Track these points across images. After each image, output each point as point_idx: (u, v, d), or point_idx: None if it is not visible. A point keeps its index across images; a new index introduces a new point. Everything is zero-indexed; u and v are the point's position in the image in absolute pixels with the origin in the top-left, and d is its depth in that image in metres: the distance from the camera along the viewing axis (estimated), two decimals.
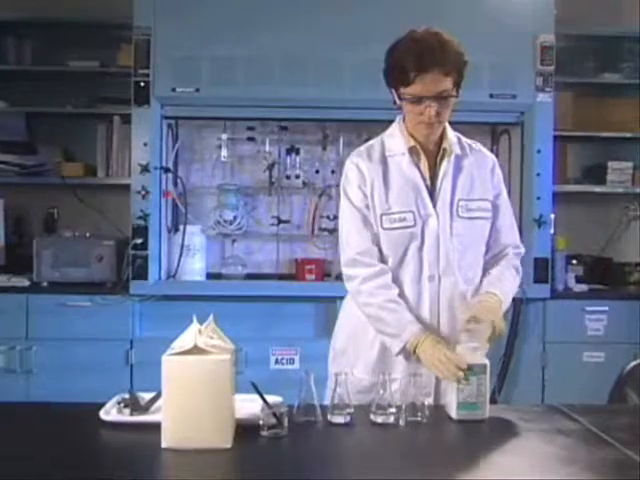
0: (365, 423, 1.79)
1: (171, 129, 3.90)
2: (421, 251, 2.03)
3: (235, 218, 4.02)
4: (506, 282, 2.10)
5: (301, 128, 4.05)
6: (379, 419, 1.78)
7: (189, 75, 3.57)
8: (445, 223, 2.02)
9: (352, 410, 1.79)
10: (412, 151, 2.05)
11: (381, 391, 1.79)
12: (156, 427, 1.57)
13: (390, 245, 2.03)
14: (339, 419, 1.78)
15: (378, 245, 2.04)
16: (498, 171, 2.17)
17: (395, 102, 2.03)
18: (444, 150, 2.07)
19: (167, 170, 3.79)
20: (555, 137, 3.73)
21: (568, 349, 3.74)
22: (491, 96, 3.65)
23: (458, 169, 2.07)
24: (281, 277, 3.94)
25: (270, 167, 4.02)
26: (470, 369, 1.84)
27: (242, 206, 4.07)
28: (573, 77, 3.97)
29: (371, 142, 2.13)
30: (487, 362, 1.87)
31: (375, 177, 2.05)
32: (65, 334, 3.59)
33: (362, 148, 2.12)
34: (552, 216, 3.77)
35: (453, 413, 1.84)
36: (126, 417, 1.75)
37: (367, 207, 2.04)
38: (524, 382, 3.76)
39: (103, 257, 3.75)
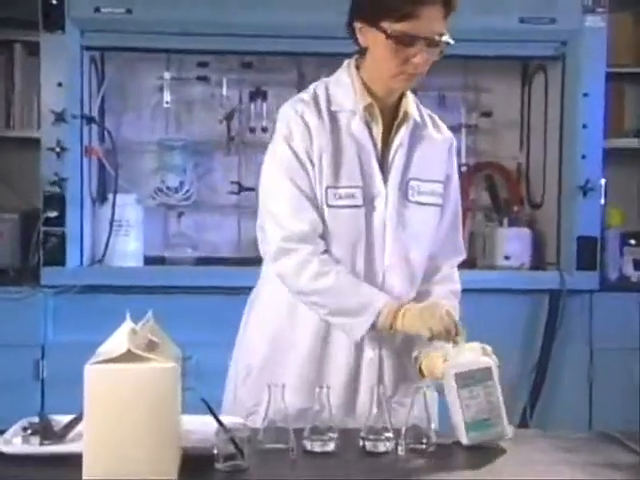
0: (354, 451, 1.80)
1: (95, 64, 3.88)
2: (367, 239, 2.10)
3: (182, 185, 4.02)
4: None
5: (269, 65, 4.05)
6: (373, 446, 1.80)
7: None
8: (394, 207, 2.10)
9: (336, 435, 1.81)
10: (367, 110, 2.13)
11: (374, 410, 1.81)
12: (76, 460, 1.56)
13: (337, 229, 2.09)
14: (320, 446, 1.79)
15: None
16: (454, 157, 2.26)
17: (358, 43, 2.08)
18: (404, 114, 2.14)
19: (90, 120, 3.77)
20: (608, 75, 3.75)
21: (623, 358, 3.77)
22: (522, 21, 3.63)
23: (414, 140, 2.17)
24: (243, 262, 3.92)
25: (228, 117, 4.02)
26: (471, 377, 1.86)
27: (191, 169, 4.07)
28: None
29: (313, 89, 2.17)
30: (492, 362, 1.89)
31: (323, 137, 2.09)
32: None
33: (305, 96, 2.15)
34: (602, 182, 3.81)
35: (463, 438, 1.86)
36: (35, 448, 1.74)
37: (313, 175, 2.08)
38: (565, 400, 3.80)
39: (3, 234, 3.72)
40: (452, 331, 1.94)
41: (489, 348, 1.95)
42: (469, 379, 1.86)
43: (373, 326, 2.04)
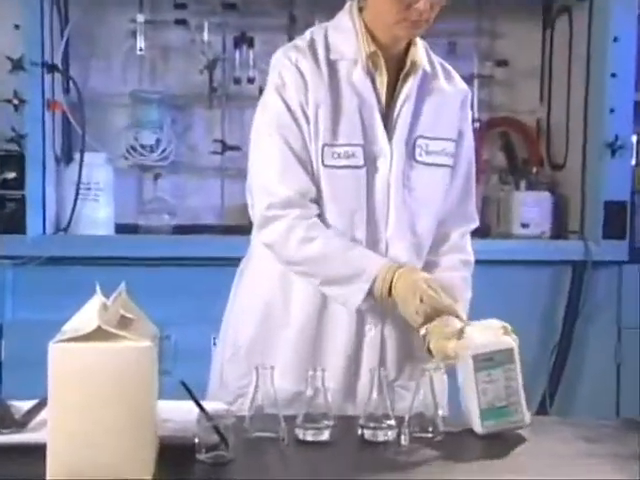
0: (351, 441, 1.82)
1: (57, 5, 3.85)
2: (368, 204, 2.10)
3: (158, 143, 4.02)
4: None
5: (256, 7, 4.03)
6: (372, 435, 1.81)
7: None
8: (399, 168, 2.12)
9: (332, 422, 1.82)
10: (370, 59, 2.12)
11: (374, 394, 1.82)
12: (39, 451, 1.55)
13: (334, 193, 2.09)
14: (313, 435, 1.81)
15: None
16: (468, 111, 2.26)
17: None
18: (412, 64, 2.14)
19: (53, 68, 3.75)
20: None
21: None
22: None
23: (423, 93, 2.16)
24: (228, 230, 3.96)
25: (210, 66, 4.00)
26: (490, 359, 1.86)
27: (168, 125, 4.06)
28: None
29: (310, 35, 2.16)
30: (514, 343, 1.89)
31: (321, 89, 2.09)
32: None
33: (300, 42, 2.14)
34: (633, 139, 3.82)
35: (477, 426, 1.87)
36: None
37: (308, 131, 2.08)
38: (589, 385, 3.83)
39: None
40: (439, 302, 1.96)
41: (509, 327, 1.95)
42: (488, 361, 1.86)
43: (370, 294, 2.04)
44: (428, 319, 1.96)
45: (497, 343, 1.88)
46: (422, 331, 2.06)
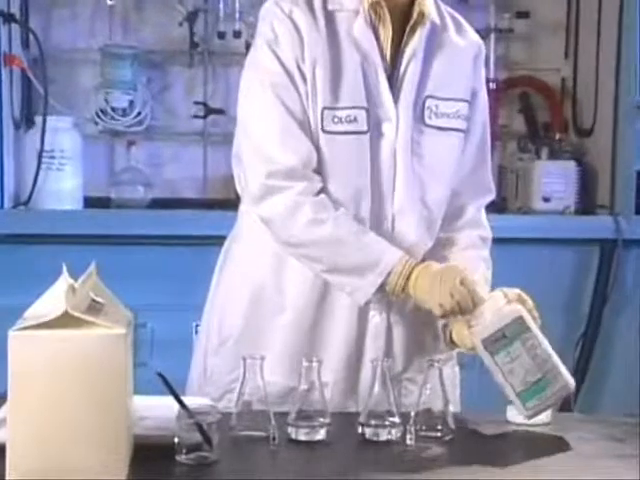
0: (350, 440, 1.83)
1: None
2: (372, 174, 2.10)
3: (132, 105, 4.02)
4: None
5: None
6: (374, 433, 1.83)
7: None
8: (407, 133, 2.12)
9: (328, 420, 1.83)
10: (373, 10, 2.12)
11: (376, 388, 1.83)
12: None
13: (335, 162, 2.10)
14: (307, 434, 1.82)
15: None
16: (482, 68, 2.27)
17: None
18: (419, 15, 2.13)
19: (9, 19, 3.74)
20: None
21: None
22: None
23: (432, 48, 2.16)
24: (210, 205, 3.97)
25: (190, 18, 4.00)
26: (502, 337, 1.88)
27: (143, 85, 4.06)
28: None
29: None
30: (520, 308, 1.90)
31: (318, 44, 2.08)
32: None
33: None
34: None
35: (521, 412, 1.87)
36: None
37: (305, 92, 2.08)
38: (617, 380, 3.85)
39: None
40: (468, 305, 1.95)
41: (514, 291, 1.97)
42: (500, 340, 1.88)
43: (381, 288, 2.05)
44: (453, 314, 1.97)
45: (502, 317, 1.90)
46: (442, 320, 2.09)
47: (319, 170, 2.09)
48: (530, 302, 1.97)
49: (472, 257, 2.19)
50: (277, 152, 2.06)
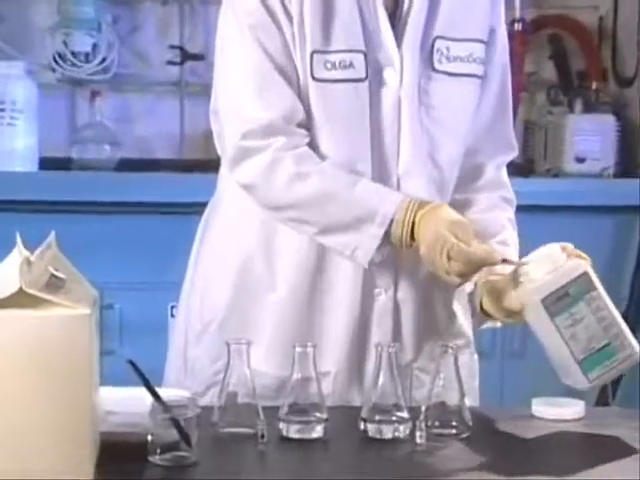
0: (351, 439, 1.84)
1: None
2: (373, 129, 2.10)
3: (96, 49, 4.02)
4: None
5: None
6: (378, 431, 1.84)
7: None
8: (413, 80, 2.12)
9: (325, 415, 1.84)
10: None
11: (381, 379, 1.84)
12: None
13: (327, 115, 2.09)
14: (300, 431, 1.83)
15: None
16: (502, 3, 2.25)
17: None
18: None
19: None
20: None
21: None
22: None
23: None
24: (188, 167, 3.99)
25: None
26: (565, 295, 1.87)
27: (109, 25, 4.05)
28: None
29: None
30: (585, 263, 1.90)
31: None
32: None
33: None
34: None
35: (581, 383, 1.87)
36: None
37: (291, 34, 2.08)
38: None
39: None
40: (485, 261, 1.94)
41: (570, 246, 1.96)
42: (564, 299, 1.88)
43: (387, 242, 2.04)
44: (465, 277, 1.98)
45: (565, 272, 1.90)
46: (467, 288, 2.09)
47: (308, 126, 2.09)
48: (589, 260, 1.94)
49: (495, 218, 2.21)
50: (253, 107, 2.07)
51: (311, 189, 2.07)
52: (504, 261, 1.98)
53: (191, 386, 2.12)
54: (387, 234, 2.03)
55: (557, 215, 3.70)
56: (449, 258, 1.94)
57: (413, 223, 2.01)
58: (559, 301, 1.87)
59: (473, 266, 1.95)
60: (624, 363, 1.88)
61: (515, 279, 1.95)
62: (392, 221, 2.02)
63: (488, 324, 2.14)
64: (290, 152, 2.06)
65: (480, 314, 2.10)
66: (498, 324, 2.11)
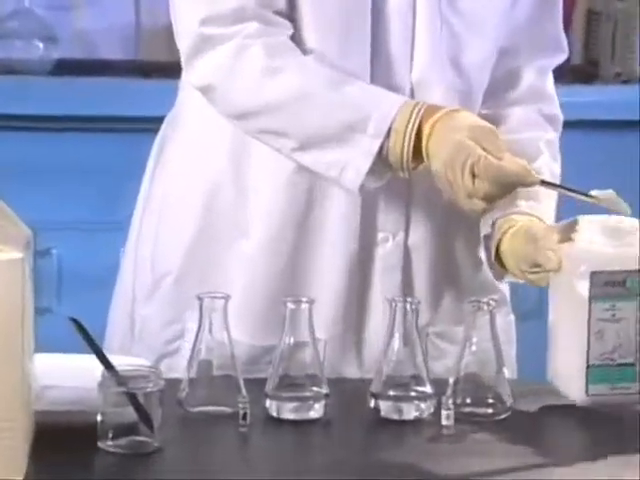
0: (358, 419, 1.89)
1: None
2: (375, 20, 2.11)
3: None
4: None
5: None
6: (394, 409, 1.88)
7: None
8: None
9: (325, 390, 1.87)
10: None
11: (396, 346, 1.87)
12: None
13: (320, 6, 2.11)
14: (294, 411, 1.86)
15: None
16: None
17: None
18: None
19: None
20: None
21: None
22: None
23: None
24: (145, 70, 4.04)
25: None
26: (620, 282, 1.89)
27: None
28: None
29: None
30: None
31: None
32: None
33: None
34: None
35: (575, 391, 1.92)
36: None
37: None
38: None
39: None
40: (521, 180, 1.98)
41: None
42: (616, 286, 1.90)
43: (383, 160, 2.04)
44: (492, 202, 1.99)
45: (633, 257, 1.91)
46: (485, 229, 2.09)
47: (290, 16, 2.10)
48: None
49: (529, 140, 2.22)
50: None
51: (286, 87, 2.07)
52: (543, 183, 2.00)
53: (139, 355, 2.09)
54: (383, 148, 2.03)
55: (627, 132, 3.72)
56: (474, 175, 1.95)
57: (419, 134, 2.01)
58: (609, 286, 1.89)
59: (505, 186, 1.97)
60: (632, 396, 1.92)
61: (570, 228, 1.96)
62: (390, 130, 2.02)
63: (508, 278, 2.15)
64: (262, 39, 2.06)
65: (495, 265, 2.11)
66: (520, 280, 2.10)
